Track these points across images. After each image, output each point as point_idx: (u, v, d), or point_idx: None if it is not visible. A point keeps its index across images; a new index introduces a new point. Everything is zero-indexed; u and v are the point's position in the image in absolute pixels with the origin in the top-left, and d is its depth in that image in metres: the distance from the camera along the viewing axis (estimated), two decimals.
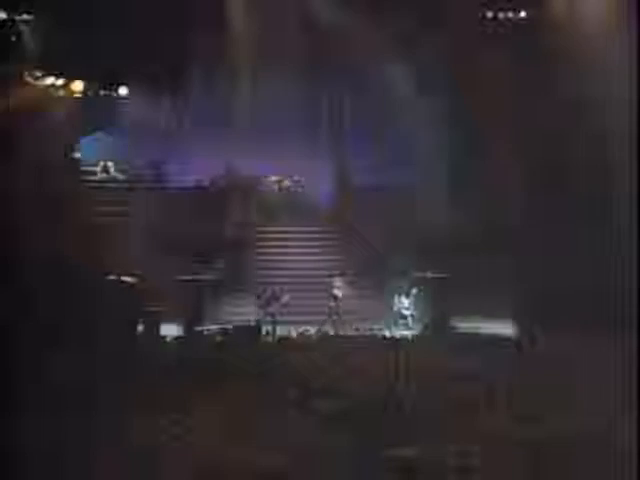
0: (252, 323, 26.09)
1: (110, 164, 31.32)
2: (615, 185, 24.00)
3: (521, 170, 27.70)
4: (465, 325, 26.05)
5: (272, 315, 26.40)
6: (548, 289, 25.33)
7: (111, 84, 29.67)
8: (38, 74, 27.81)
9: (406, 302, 27.27)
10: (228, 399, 18.01)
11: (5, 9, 25.54)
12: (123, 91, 29.89)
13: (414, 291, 27.40)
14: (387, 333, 26.03)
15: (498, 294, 25.98)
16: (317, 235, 30.55)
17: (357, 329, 25.89)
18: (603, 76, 24.85)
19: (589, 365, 19.79)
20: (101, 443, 15.06)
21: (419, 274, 27.81)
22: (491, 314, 25.80)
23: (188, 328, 26.10)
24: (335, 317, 26.83)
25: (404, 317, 27.20)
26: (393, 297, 27.51)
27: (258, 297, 26.77)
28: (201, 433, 16.09)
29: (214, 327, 25.97)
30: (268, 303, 26.49)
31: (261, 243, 29.99)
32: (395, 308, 27.34)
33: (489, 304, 25.71)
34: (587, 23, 26.38)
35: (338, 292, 27.33)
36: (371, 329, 26.07)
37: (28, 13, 26.09)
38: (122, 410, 16.81)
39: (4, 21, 25.80)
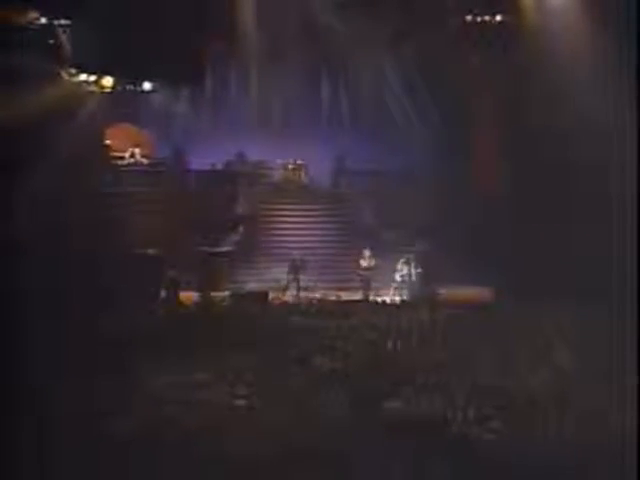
0: (261, 289, 26.19)
1: (136, 150, 31.45)
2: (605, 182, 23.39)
3: (502, 160, 27.72)
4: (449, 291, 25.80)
5: (297, 281, 26.74)
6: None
7: (136, 80, 29.72)
8: (73, 71, 27.92)
9: (404, 270, 27.21)
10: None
11: (45, 15, 25.58)
12: (147, 86, 29.97)
13: (409, 262, 27.24)
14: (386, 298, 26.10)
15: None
16: (317, 212, 30.56)
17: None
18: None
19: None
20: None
21: (414, 247, 27.79)
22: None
23: (204, 293, 25.94)
24: (366, 285, 26.69)
25: (400, 285, 27.18)
26: (392, 268, 27.34)
27: (289, 265, 26.96)
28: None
29: (226, 293, 26.02)
30: (295, 271, 26.81)
31: (268, 219, 30.08)
32: (394, 277, 27.25)
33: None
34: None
35: (365, 262, 26.98)
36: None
37: (65, 18, 26.11)
38: None
39: (44, 25, 25.85)
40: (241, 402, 15.12)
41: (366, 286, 26.65)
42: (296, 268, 26.92)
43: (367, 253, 27.08)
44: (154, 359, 17.48)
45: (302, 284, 26.81)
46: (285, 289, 26.69)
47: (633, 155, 20.10)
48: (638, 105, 20.18)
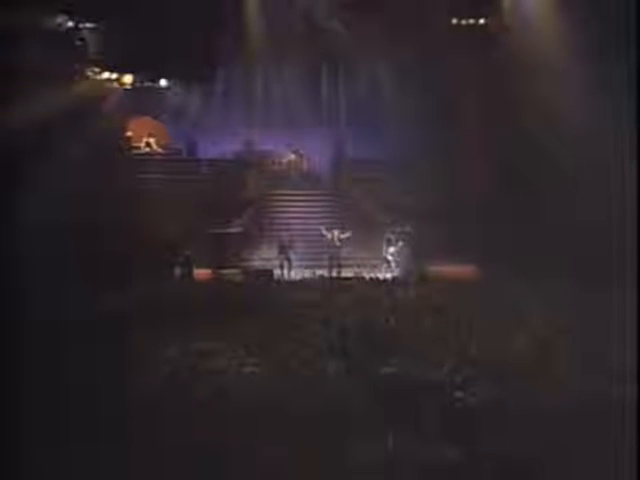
0: (267, 267, 26.63)
1: (152, 140, 31.77)
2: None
3: (485, 151, 28.06)
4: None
5: (288, 260, 26.99)
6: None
7: (154, 77, 30.01)
8: (97, 69, 28.17)
9: (391, 250, 27.60)
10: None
11: (72, 19, 25.84)
12: (163, 83, 30.21)
13: (398, 242, 27.57)
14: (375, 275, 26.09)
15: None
16: (317, 197, 30.95)
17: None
18: None
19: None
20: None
21: (400, 229, 28.06)
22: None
23: (215, 270, 26.26)
24: (334, 261, 27.01)
25: (390, 262, 27.55)
26: (381, 247, 27.80)
27: (279, 245, 27.10)
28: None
29: (236, 270, 26.39)
30: (285, 250, 27.11)
31: (273, 203, 30.42)
32: (385, 255, 27.63)
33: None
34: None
35: (337, 242, 27.35)
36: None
37: (90, 21, 26.40)
38: None
39: (70, 28, 26.12)
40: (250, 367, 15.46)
41: (334, 262, 26.95)
42: (284, 248, 27.11)
43: (336, 233, 27.44)
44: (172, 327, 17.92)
45: (294, 263, 27.06)
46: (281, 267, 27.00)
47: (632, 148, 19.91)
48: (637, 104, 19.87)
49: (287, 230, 28.48)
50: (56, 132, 23.46)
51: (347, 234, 27.45)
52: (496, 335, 16.81)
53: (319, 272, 25.52)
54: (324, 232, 27.42)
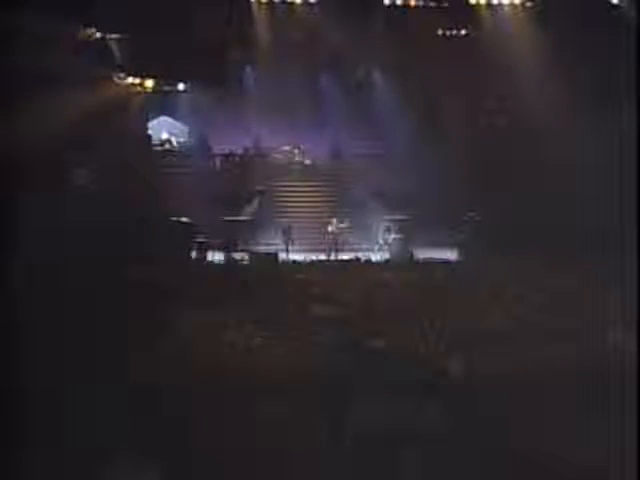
0: (271, 251, 27.13)
1: (172, 138, 32.34)
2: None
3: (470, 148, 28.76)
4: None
5: (291, 244, 27.43)
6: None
7: (172, 81, 30.80)
8: (122, 75, 29.14)
9: (386, 237, 27.93)
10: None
11: (100, 30, 26.63)
12: (181, 86, 31.00)
13: (392, 228, 27.93)
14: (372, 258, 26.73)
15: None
16: (318, 188, 31.20)
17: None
18: None
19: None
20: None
21: (393, 216, 28.47)
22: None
23: (226, 254, 26.80)
24: (332, 247, 27.41)
25: (383, 247, 27.90)
26: (377, 233, 28.24)
27: (283, 231, 27.69)
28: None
29: (244, 253, 26.91)
30: (289, 235, 27.68)
31: (278, 194, 30.76)
32: (378, 240, 28.09)
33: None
34: None
35: (333, 229, 27.75)
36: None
37: (116, 33, 27.19)
38: None
39: (97, 39, 26.96)
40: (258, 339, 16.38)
41: (332, 247, 27.33)
42: (288, 234, 27.70)
43: (334, 221, 27.96)
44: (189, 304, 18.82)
45: (295, 246, 27.57)
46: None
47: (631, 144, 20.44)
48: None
49: (291, 217, 28.91)
50: (87, 129, 24.40)
51: (345, 223, 28.10)
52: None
53: (319, 255, 26.25)
54: (329, 228, 27.90)
